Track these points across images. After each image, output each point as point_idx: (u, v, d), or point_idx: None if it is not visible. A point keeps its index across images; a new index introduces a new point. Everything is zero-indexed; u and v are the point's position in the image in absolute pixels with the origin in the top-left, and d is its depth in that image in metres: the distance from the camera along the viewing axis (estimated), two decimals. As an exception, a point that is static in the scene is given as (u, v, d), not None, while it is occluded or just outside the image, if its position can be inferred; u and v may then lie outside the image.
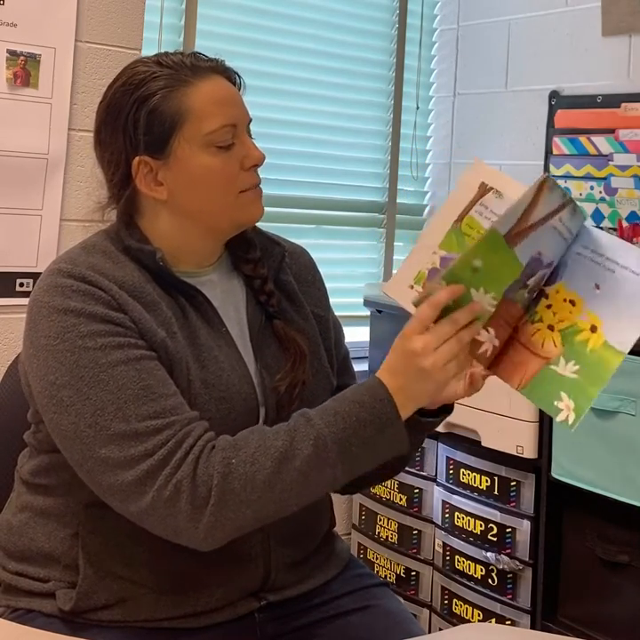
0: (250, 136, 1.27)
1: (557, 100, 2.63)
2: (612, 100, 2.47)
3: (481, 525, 2.24)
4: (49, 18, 2.11)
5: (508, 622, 2.16)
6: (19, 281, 2.11)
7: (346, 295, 2.73)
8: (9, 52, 2.06)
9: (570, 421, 1.11)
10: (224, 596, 1.22)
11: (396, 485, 2.51)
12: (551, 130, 2.63)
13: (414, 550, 2.46)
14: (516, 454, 2.15)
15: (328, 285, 1.43)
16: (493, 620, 2.19)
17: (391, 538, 2.52)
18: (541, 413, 2.13)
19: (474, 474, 2.28)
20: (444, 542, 2.36)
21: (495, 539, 2.21)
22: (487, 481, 2.24)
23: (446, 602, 2.35)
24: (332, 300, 1.43)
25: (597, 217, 2.49)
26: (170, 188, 1.22)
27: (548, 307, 1.17)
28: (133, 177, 1.22)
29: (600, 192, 2.47)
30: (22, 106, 2.08)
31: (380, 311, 2.52)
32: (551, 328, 1.16)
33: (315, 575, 1.32)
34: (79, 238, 1.29)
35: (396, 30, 2.99)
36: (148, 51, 2.29)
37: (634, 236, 2.36)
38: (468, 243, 1.18)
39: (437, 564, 2.39)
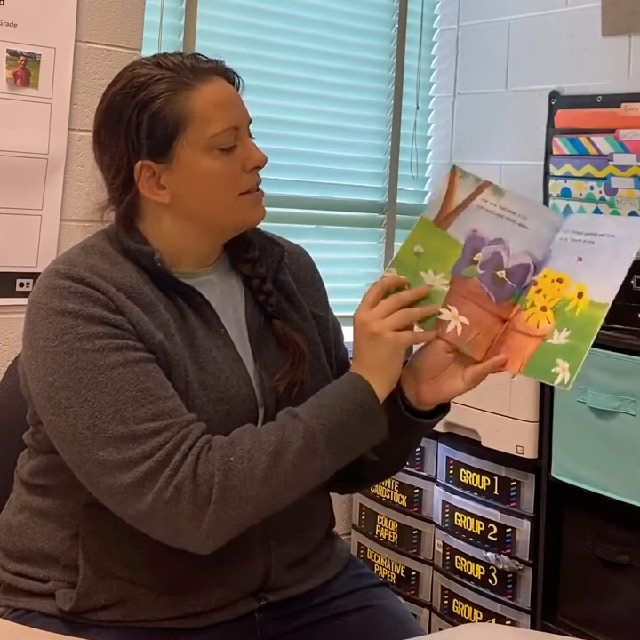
0: (250, 136, 1.27)
1: (557, 100, 2.63)
2: (612, 100, 2.46)
3: (481, 525, 2.24)
4: (49, 18, 2.11)
5: (508, 622, 2.16)
6: (19, 281, 2.11)
7: (346, 295, 2.72)
8: (9, 51, 2.06)
9: (566, 381, 1.14)
10: (224, 596, 1.22)
11: (396, 485, 2.51)
12: (551, 130, 2.63)
13: (414, 550, 2.46)
14: (515, 454, 2.15)
15: (328, 285, 1.43)
16: (493, 620, 2.19)
17: (391, 538, 2.52)
18: (541, 413, 2.13)
19: (474, 474, 2.28)
20: (443, 542, 2.36)
21: (495, 539, 2.21)
22: (487, 481, 2.24)
23: (446, 602, 2.35)
24: (331, 300, 1.43)
25: (597, 217, 2.49)
26: (172, 192, 1.22)
27: (538, 291, 1.22)
28: (135, 181, 1.22)
29: (600, 192, 2.46)
30: (22, 106, 2.08)
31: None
32: (543, 309, 1.21)
33: (315, 575, 1.32)
34: (79, 238, 1.29)
35: (396, 30, 2.99)
36: (148, 51, 2.29)
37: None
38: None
39: (437, 564, 2.39)
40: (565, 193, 2.55)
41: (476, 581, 2.25)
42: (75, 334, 1.13)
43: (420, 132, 3.07)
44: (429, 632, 2.11)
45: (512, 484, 2.19)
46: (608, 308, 1.16)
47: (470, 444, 2.28)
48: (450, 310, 1.21)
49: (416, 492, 2.46)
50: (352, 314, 1.22)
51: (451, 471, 2.35)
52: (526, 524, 2.15)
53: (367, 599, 1.34)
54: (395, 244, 2.98)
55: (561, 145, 2.59)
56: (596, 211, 2.48)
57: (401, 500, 2.50)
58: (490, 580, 2.22)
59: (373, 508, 2.59)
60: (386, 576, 2.51)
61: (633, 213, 2.39)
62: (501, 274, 1.22)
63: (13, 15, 2.06)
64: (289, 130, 2.76)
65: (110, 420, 1.10)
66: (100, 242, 1.24)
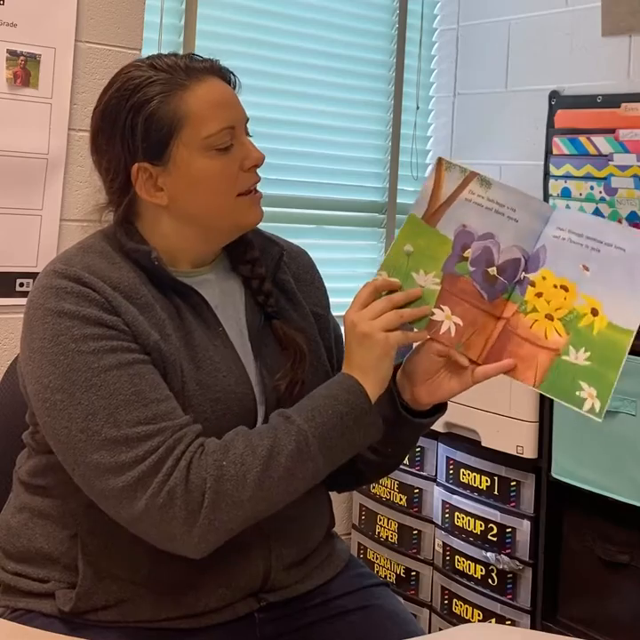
0: (248, 135, 1.26)
1: (557, 100, 2.63)
2: (612, 100, 2.46)
3: (481, 525, 2.24)
4: (49, 18, 2.11)
5: (508, 622, 2.16)
6: (19, 281, 2.11)
7: (346, 295, 2.71)
8: (9, 51, 2.06)
9: (597, 409, 1.12)
10: (224, 597, 1.22)
11: (395, 485, 2.51)
12: (551, 130, 2.63)
13: (414, 550, 2.46)
14: (515, 454, 2.15)
15: (328, 285, 1.43)
16: (493, 620, 2.19)
17: (391, 538, 2.52)
18: (541, 413, 2.13)
19: (474, 474, 2.28)
20: (444, 542, 2.36)
21: (495, 539, 2.21)
22: (487, 481, 2.24)
23: (446, 602, 2.35)
24: (332, 300, 1.43)
25: (597, 217, 2.49)
26: (170, 193, 1.21)
27: (539, 295, 1.20)
28: (133, 183, 1.21)
29: (600, 192, 2.46)
30: (22, 106, 2.08)
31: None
32: (550, 317, 1.18)
33: (315, 575, 1.32)
34: (79, 238, 1.29)
35: (396, 30, 2.99)
36: (148, 51, 2.29)
37: (634, 236, 2.35)
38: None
39: (437, 564, 2.39)
40: (565, 193, 2.55)
41: (476, 581, 2.25)
42: (70, 336, 1.12)
43: (420, 132, 3.07)
44: (429, 632, 2.11)
45: (512, 484, 2.19)
46: (633, 335, 1.14)
47: (470, 444, 2.28)
48: (443, 310, 1.20)
49: (416, 492, 2.46)
50: (350, 314, 1.22)
51: (451, 471, 2.35)
52: (526, 524, 2.15)
53: (367, 599, 1.34)
54: (395, 244, 2.97)
55: (561, 145, 2.59)
56: (596, 211, 2.48)
57: (401, 499, 2.50)
58: (490, 580, 2.22)
59: (373, 507, 2.59)
60: (386, 576, 2.51)
61: (633, 213, 2.39)
62: (492, 271, 1.21)
63: (13, 15, 2.06)
64: (289, 130, 2.75)
65: (103, 423, 1.10)
66: (98, 241, 1.24)
